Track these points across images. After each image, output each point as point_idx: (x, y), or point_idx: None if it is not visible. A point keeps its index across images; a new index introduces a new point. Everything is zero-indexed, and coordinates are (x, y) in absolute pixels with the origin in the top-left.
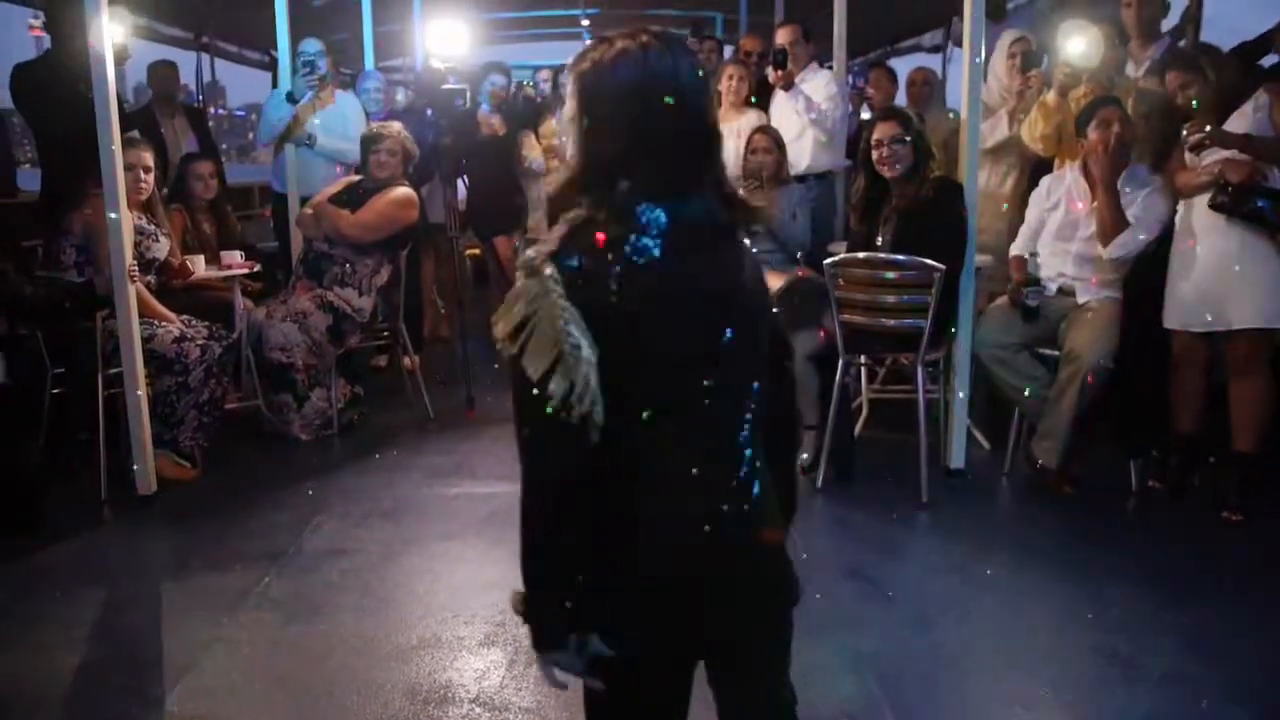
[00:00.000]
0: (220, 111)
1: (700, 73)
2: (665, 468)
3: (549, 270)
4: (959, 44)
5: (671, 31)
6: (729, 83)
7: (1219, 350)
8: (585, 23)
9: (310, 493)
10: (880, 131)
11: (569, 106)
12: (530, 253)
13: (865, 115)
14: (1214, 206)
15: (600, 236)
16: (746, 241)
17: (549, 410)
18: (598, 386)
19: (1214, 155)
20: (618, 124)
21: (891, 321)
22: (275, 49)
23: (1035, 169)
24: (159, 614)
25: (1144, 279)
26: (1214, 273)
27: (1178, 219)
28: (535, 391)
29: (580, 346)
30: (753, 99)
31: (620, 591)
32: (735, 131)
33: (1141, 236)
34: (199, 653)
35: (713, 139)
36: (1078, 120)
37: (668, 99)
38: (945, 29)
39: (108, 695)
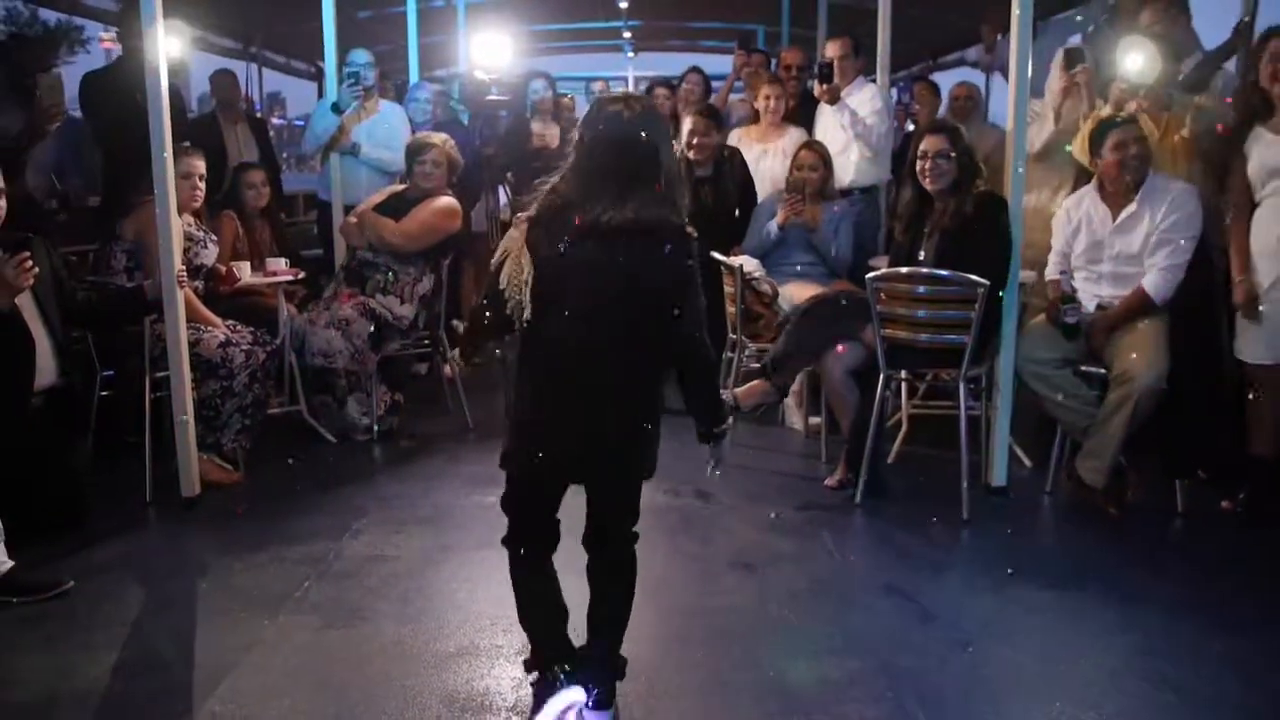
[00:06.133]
0: (280, 121)
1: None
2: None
3: (523, 227)
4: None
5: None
6: (766, 102)
7: None
8: (627, 35)
9: (350, 498)
10: (927, 144)
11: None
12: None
13: (910, 129)
14: None
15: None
16: (668, 247)
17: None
18: (528, 295)
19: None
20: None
21: (933, 337)
22: (322, 60)
23: (1080, 182)
24: (200, 616)
25: (1188, 292)
26: None
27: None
28: (500, 286)
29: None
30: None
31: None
32: (780, 150)
33: (1170, 266)
34: (239, 655)
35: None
36: (1091, 141)
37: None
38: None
39: (149, 695)
